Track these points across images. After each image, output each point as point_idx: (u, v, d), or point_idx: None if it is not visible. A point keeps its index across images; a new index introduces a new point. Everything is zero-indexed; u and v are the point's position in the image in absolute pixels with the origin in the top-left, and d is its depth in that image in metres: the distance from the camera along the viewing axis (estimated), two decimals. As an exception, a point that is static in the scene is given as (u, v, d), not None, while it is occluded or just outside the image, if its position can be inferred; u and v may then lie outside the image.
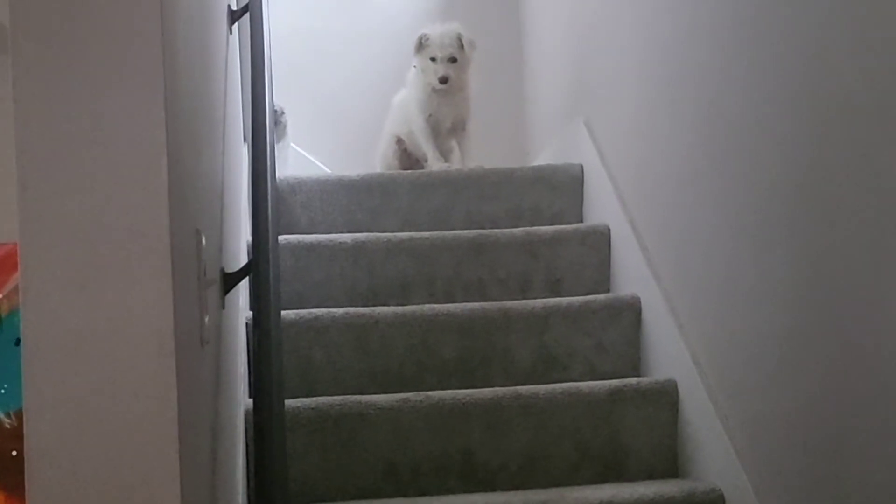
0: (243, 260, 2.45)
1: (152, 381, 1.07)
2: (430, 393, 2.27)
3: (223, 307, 1.82)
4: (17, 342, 1.09)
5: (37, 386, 1.06)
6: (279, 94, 2.78)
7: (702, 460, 2.18)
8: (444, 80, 3.31)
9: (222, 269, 1.82)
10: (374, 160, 3.61)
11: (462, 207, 3.04)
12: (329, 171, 4.12)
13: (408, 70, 3.49)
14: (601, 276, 2.82)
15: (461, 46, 3.32)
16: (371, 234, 2.79)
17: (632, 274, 2.65)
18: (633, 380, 2.35)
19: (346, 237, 2.76)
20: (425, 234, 2.79)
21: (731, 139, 2.02)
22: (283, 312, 2.25)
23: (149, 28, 1.10)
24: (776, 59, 1.81)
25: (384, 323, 2.48)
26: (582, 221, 3.05)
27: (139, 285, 1.08)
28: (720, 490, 2.06)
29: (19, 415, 2.05)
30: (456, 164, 3.39)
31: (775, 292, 1.86)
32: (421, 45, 3.35)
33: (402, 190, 3.03)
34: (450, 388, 2.40)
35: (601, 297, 2.61)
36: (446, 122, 3.41)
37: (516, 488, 2.22)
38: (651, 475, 2.28)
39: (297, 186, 3.02)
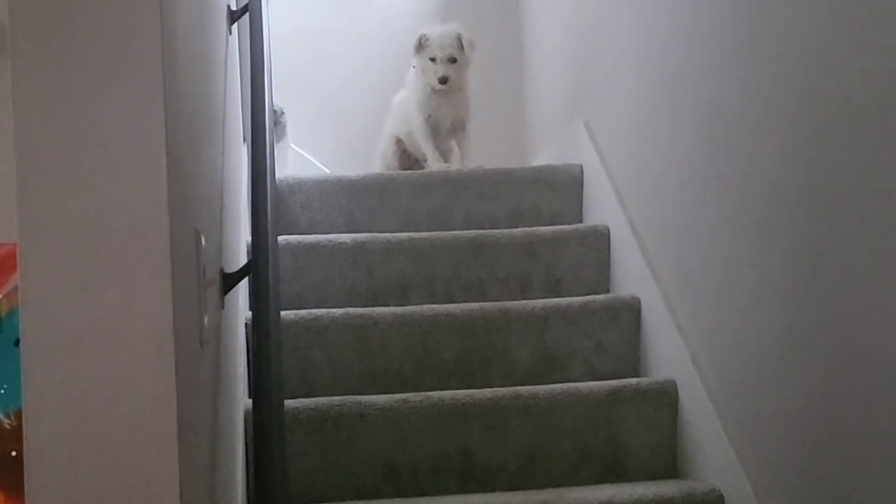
0: (243, 260, 2.45)
1: (152, 382, 1.07)
2: (429, 393, 2.27)
3: (223, 307, 1.82)
4: (17, 343, 1.09)
5: (36, 386, 1.05)
6: (279, 94, 2.78)
7: (701, 461, 2.18)
8: (443, 81, 3.31)
9: (222, 270, 1.82)
10: (374, 160, 3.61)
11: (462, 208, 3.04)
12: (328, 171, 4.12)
13: (407, 70, 3.49)
14: (601, 277, 2.82)
15: (461, 47, 3.32)
16: (370, 234, 2.79)
17: (631, 274, 2.65)
18: (633, 380, 2.35)
19: (346, 237, 2.76)
20: (425, 235, 2.79)
21: (731, 139, 2.02)
22: (282, 313, 2.25)
23: (148, 28, 1.10)
24: (776, 59, 1.81)
25: (384, 323, 2.48)
26: (581, 222, 3.05)
27: (139, 285, 1.07)
28: (719, 490, 2.06)
29: (19, 415, 2.05)
30: (455, 164, 3.39)
31: (775, 292, 1.85)
32: (420, 46, 3.35)
33: (402, 190, 3.03)
34: (449, 389, 2.39)
35: (601, 297, 2.61)
36: (446, 123, 3.41)
37: (516, 489, 2.22)
38: (650, 475, 2.28)
39: (297, 187, 3.02)
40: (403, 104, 3.49)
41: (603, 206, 2.89)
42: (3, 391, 1.94)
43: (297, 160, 4.08)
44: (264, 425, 1.62)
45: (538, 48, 3.94)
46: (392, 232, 2.86)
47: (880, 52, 1.48)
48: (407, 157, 3.51)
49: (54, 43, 1.08)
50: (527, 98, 4.15)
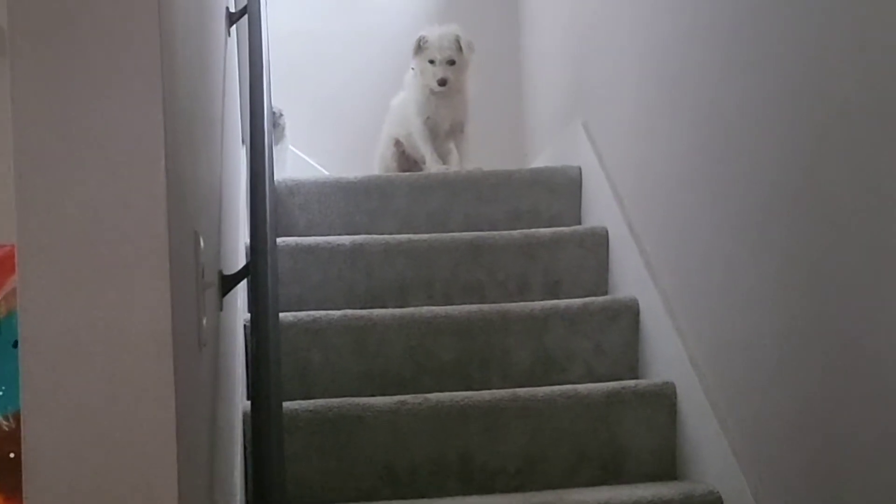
0: (241, 262, 2.45)
1: (150, 384, 1.07)
2: (428, 395, 2.27)
3: (221, 309, 1.82)
4: (15, 344, 1.09)
5: (34, 388, 1.05)
6: (277, 95, 2.78)
7: (700, 462, 2.18)
8: (442, 83, 3.31)
9: (220, 271, 1.82)
10: (373, 162, 3.61)
11: (460, 209, 3.04)
12: (327, 173, 4.12)
13: (406, 72, 3.49)
14: (599, 279, 2.82)
15: (460, 49, 3.32)
16: (369, 236, 2.79)
17: (630, 276, 2.65)
18: (632, 382, 2.35)
19: (345, 239, 2.76)
20: (423, 237, 2.79)
21: (731, 140, 2.02)
22: (281, 314, 2.25)
23: (147, 30, 1.10)
24: (776, 60, 1.81)
25: (382, 325, 2.48)
26: (580, 224, 3.05)
27: (137, 287, 1.07)
28: (718, 492, 2.05)
29: (17, 417, 2.05)
30: (454, 166, 3.39)
31: (774, 293, 1.85)
32: (419, 48, 3.35)
33: (401, 192, 3.03)
34: (448, 391, 2.39)
35: (599, 299, 2.61)
36: (444, 125, 3.41)
37: (515, 490, 2.22)
38: (649, 477, 2.28)
39: (296, 188, 3.02)
40: (402, 106, 3.49)
41: (602, 208, 2.89)
42: (1, 393, 1.94)
43: (295, 162, 4.08)
44: (263, 427, 1.62)
45: (537, 50, 3.94)
46: (391, 234, 2.86)
47: (880, 52, 1.48)
48: (406, 159, 3.51)
49: (53, 44, 1.08)
50: (525, 100, 4.16)
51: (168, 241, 1.09)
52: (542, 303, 2.59)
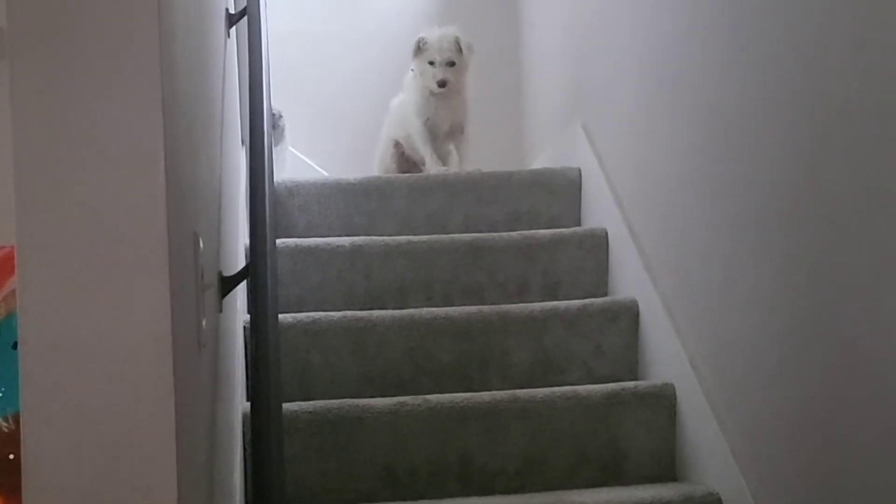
0: (241, 263, 2.45)
1: (150, 385, 1.07)
2: (427, 396, 2.26)
3: (221, 310, 1.82)
4: (15, 345, 1.09)
5: (34, 389, 1.05)
6: (277, 97, 2.78)
7: (699, 464, 2.18)
8: (442, 84, 3.31)
9: (220, 273, 1.82)
10: (372, 164, 3.61)
11: (460, 211, 3.04)
12: (327, 174, 4.11)
13: (406, 73, 3.49)
14: (599, 280, 2.82)
15: (459, 50, 3.32)
16: (369, 237, 2.79)
17: (630, 277, 2.64)
18: (631, 383, 2.35)
19: (344, 241, 2.76)
20: (423, 238, 2.79)
21: (731, 141, 2.02)
22: (280, 316, 2.25)
23: (146, 30, 1.10)
24: (776, 60, 1.81)
25: (382, 326, 2.47)
26: (580, 225, 3.04)
27: (137, 288, 1.07)
28: (717, 494, 2.05)
29: (16, 419, 2.04)
30: (454, 167, 3.39)
31: (774, 294, 1.85)
32: (419, 49, 3.35)
33: (400, 193, 3.03)
34: (447, 392, 2.39)
35: (599, 300, 2.61)
36: (444, 126, 3.41)
37: (514, 492, 2.22)
38: (649, 479, 2.28)
39: (295, 190, 3.01)
40: (402, 107, 3.49)
41: (601, 209, 2.89)
42: (0, 394, 1.94)
43: (295, 163, 4.08)
44: (262, 428, 1.62)
45: (536, 51, 3.94)
46: (390, 235, 2.86)
47: (880, 52, 1.48)
48: (405, 161, 3.51)
49: (53, 44, 1.07)
50: (525, 101, 4.16)
51: (167, 241, 1.09)
52: (541, 304, 2.59)
